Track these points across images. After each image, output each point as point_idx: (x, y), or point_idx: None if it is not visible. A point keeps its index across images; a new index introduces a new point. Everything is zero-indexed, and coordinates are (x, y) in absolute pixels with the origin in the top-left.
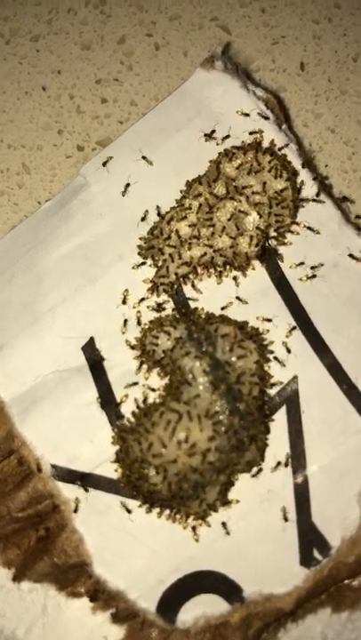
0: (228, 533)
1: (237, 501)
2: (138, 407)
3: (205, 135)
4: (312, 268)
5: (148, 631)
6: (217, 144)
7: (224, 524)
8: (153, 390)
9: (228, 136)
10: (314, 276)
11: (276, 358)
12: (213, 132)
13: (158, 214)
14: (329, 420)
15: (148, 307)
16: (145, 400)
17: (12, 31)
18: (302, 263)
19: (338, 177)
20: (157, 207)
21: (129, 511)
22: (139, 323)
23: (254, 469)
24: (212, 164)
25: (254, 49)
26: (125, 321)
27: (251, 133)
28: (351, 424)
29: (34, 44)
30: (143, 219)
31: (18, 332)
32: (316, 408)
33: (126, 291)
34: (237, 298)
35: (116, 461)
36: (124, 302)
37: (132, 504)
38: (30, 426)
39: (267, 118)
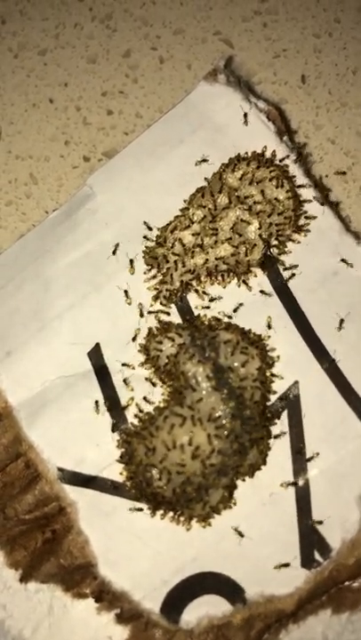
0: (241, 535)
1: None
2: (141, 411)
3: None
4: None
5: (152, 631)
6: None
7: (240, 533)
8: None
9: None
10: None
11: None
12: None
13: (149, 228)
14: (329, 425)
15: (150, 312)
16: (149, 403)
17: (20, 45)
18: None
19: (338, 187)
20: (145, 222)
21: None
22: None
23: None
24: (215, 174)
25: (256, 62)
26: (135, 336)
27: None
28: (351, 429)
29: (41, 58)
30: (149, 227)
31: (26, 338)
32: (316, 413)
33: (140, 304)
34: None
35: (121, 463)
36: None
37: (137, 506)
38: (37, 430)
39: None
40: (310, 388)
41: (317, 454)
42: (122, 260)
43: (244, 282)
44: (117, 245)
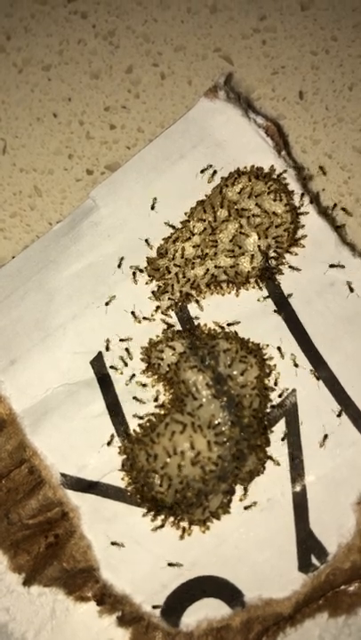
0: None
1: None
2: (141, 418)
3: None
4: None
5: (153, 634)
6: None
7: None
8: (159, 404)
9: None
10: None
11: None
12: (209, 166)
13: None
14: (326, 432)
15: (152, 319)
16: (155, 409)
17: (25, 61)
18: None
19: (335, 200)
20: (146, 240)
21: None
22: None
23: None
24: (215, 188)
25: (255, 78)
26: (127, 349)
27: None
28: (347, 436)
29: (45, 73)
30: (153, 206)
31: (30, 347)
32: (313, 420)
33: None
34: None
35: (123, 471)
36: (135, 317)
37: (138, 511)
38: (41, 436)
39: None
40: (308, 397)
41: (314, 461)
42: (125, 271)
43: (257, 282)
44: (122, 259)
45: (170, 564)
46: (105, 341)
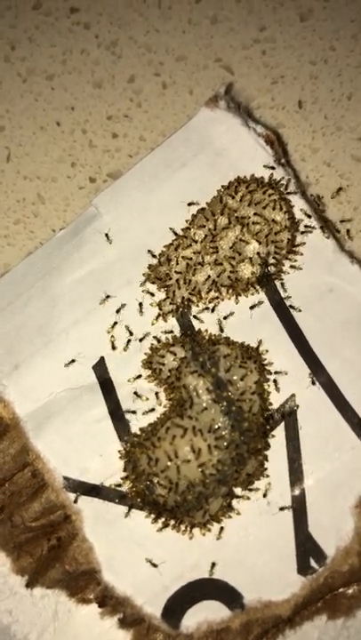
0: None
1: (238, 513)
2: (138, 415)
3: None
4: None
5: (154, 636)
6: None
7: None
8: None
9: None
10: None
11: (275, 381)
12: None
13: (153, 256)
14: (325, 437)
15: (154, 336)
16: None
17: (29, 70)
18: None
19: (333, 208)
20: (149, 251)
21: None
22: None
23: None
24: (215, 196)
25: (255, 88)
26: (128, 341)
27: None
28: (345, 440)
29: (49, 83)
30: (153, 255)
31: (33, 352)
32: (312, 425)
33: (112, 337)
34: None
35: (124, 474)
36: (113, 348)
37: (139, 514)
38: (44, 440)
39: (273, 168)
40: (306, 401)
41: (313, 465)
42: (129, 274)
43: (256, 288)
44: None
45: (152, 564)
46: (108, 345)
